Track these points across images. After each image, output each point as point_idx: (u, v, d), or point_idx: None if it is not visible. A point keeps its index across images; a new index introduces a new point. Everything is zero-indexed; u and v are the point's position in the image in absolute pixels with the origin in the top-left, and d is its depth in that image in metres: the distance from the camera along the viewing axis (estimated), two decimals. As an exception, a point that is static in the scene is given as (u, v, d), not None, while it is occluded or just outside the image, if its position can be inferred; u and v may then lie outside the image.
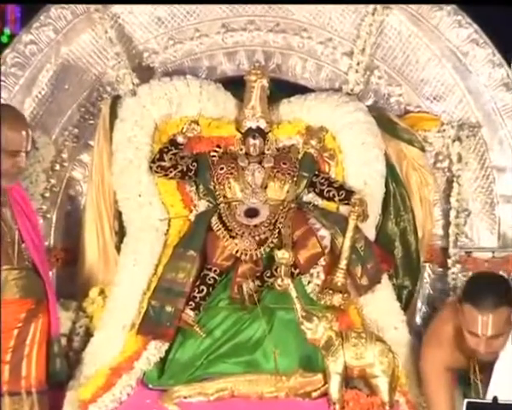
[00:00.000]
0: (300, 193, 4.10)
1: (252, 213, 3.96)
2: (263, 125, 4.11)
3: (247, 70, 4.24)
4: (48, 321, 3.52)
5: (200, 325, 3.76)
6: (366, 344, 3.46)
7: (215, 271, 3.87)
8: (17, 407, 3.40)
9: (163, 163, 4.07)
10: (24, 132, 3.40)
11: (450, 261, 4.13)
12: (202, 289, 3.83)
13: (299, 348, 3.65)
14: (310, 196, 4.13)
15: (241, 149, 4.14)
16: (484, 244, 4.21)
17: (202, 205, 4.13)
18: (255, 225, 3.91)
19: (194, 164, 4.10)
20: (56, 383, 3.62)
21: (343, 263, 3.85)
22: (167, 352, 3.75)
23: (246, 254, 3.84)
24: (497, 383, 3.35)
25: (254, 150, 4.10)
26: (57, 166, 4.26)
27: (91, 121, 4.29)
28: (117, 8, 4.25)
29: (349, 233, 3.85)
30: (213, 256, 3.87)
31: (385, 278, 4.01)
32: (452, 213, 4.15)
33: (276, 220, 3.93)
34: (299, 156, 4.15)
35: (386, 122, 4.23)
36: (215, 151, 4.15)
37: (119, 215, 4.14)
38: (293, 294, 3.51)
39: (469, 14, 4.22)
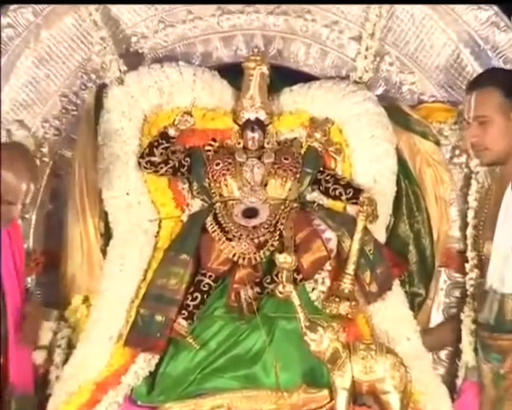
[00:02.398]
0: (303, 191, 4.11)
1: (250, 213, 3.96)
2: (262, 116, 4.12)
3: (245, 56, 4.25)
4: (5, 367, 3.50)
5: (194, 335, 3.76)
6: (376, 357, 3.45)
7: (210, 276, 3.87)
8: None
9: (153, 158, 4.06)
10: (25, 185, 3.39)
11: (467, 266, 4.10)
12: (196, 297, 3.83)
13: (303, 362, 3.65)
14: (314, 195, 4.14)
15: (239, 143, 4.14)
16: (505, 247, 4.21)
17: (196, 204, 4.14)
18: (254, 227, 3.91)
19: (187, 159, 4.10)
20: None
21: (351, 268, 3.85)
22: (158, 365, 3.75)
23: (244, 258, 3.83)
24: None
25: (253, 144, 4.10)
26: (37, 162, 4.25)
27: (74, 112, 4.30)
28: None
29: (357, 235, 3.85)
30: (208, 260, 3.87)
31: (396, 284, 4.01)
32: (470, 214, 4.13)
33: (277, 221, 3.93)
34: (303, 151, 4.15)
35: (398, 113, 4.23)
36: (210, 145, 4.15)
37: (104, 216, 4.13)
38: (296, 302, 3.49)
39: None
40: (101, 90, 4.21)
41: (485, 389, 3.61)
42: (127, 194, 4.07)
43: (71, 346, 3.95)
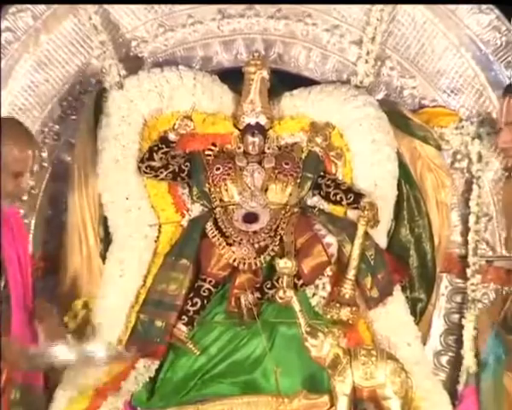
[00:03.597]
0: (304, 196, 4.13)
1: (251, 218, 3.98)
2: (263, 121, 4.14)
3: (245, 60, 4.27)
4: None
5: (194, 341, 3.79)
6: (377, 363, 3.45)
7: (210, 282, 3.89)
8: None
9: (153, 163, 4.08)
10: (30, 151, 3.38)
11: (469, 271, 4.13)
12: (196, 302, 3.85)
13: (303, 367, 3.68)
14: (315, 200, 4.16)
15: (239, 148, 4.16)
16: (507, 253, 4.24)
17: (196, 209, 4.15)
18: (254, 232, 3.93)
19: (187, 164, 4.12)
20: None
21: (351, 273, 3.87)
22: (157, 371, 3.78)
23: (244, 264, 3.86)
24: None
25: (253, 149, 4.12)
26: (36, 167, 4.27)
27: (74, 117, 4.30)
28: (102, -8, 4.28)
29: (358, 240, 3.87)
30: (208, 265, 3.89)
31: (397, 289, 4.03)
32: (472, 219, 4.16)
33: (278, 226, 3.95)
34: (303, 155, 4.17)
35: (399, 118, 4.24)
36: (210, 150, 4.16)
37: (104, 220, 4.14)
38: (297, 307, 3.51)
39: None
40: (101, 94, 4.21)
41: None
42: (127, 199, 4.08)
43: (70, 351, 3.97)
